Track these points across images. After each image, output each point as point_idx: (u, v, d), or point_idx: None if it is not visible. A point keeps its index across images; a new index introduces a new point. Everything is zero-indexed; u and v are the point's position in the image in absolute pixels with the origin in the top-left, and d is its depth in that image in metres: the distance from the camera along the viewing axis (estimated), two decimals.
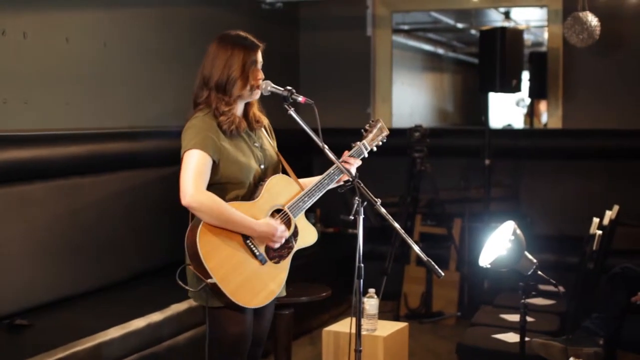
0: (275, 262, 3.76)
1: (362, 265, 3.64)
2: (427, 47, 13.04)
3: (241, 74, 3.71)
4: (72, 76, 5.61)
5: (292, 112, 3.75)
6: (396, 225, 3.67)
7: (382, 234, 7.09)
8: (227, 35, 3.79)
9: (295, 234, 3.85)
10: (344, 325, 5.04)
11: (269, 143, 3.97)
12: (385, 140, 4.18)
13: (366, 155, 4.08)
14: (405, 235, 3.68)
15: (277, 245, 3.73)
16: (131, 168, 5.91)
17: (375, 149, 4.14)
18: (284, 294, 3.96)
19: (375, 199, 3.66)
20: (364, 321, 4.74)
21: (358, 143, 4.07)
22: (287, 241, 3.80)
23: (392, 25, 8.88)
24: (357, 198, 3.64)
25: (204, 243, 3.55)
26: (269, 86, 3.76)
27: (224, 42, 3.75)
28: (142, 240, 5.92)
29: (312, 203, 3.92)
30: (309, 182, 3.98)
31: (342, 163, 3.91)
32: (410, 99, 11.36)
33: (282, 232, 3.73)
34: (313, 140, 3.76)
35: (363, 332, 3.79)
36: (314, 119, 3.70)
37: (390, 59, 8.83)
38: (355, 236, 3.67)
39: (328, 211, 8.07)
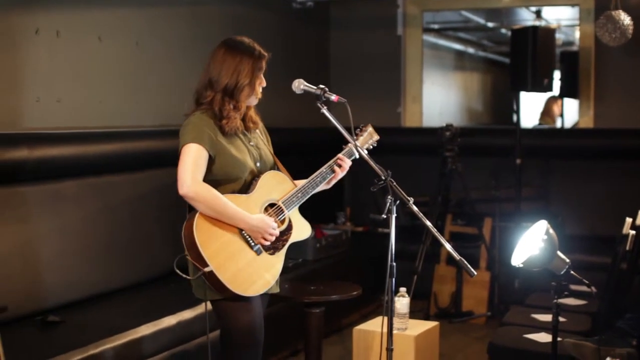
0: (270, 254, 3.86)
1: (394, 264, 3.64)
2: (458, 46, 13.01)
3: (249, 81, 3.83)
4: (104, 74, 5.65)
5: (324, 110, 3.78)
6: (428, 223, 3.67)
7: (413, 233, 7.08)
8: (236, 42, 3.92)
9: (289, 228, 3.94)
10: (375, 324, 5.04)
11: (264, 143, 4.07)
12: (375, 145, 4.30)
13: (357, 156, 4.10)
14: (437, 234, 3.67)
15: (267, 243, 3.82)
16: (163, 166, 5.92)
17: (365, 152, 4.16)
18: (277, 290, 4.07)
19: (408, 198, 3.66)
20: (395, 320, 4.73)
21: (350, 145, 4.09)
22: (282, 234, 3.89)
23: (422, 24, 8.87)
24: (389, 197, 3.64)
25: (201, 232, 3.69)
26: (302, 85, 3.81)
27: (233, 48, 3.88)
28: (174, 237, 5.91)
29: (305, 199, 4.01)
30: (301, 182, 4.07)
31: (335, 162, 4.06)
32: (440, 99, 11.34)
33: (273, 230, 3.82)
34: (344, 139, 3.78)
35: (394, 331, 3.79)
36: (346, 117, 3.73)
37: (421, 58, 8.81)
38: (386, 235, 3.68)
39: (358, 210, 8.07)
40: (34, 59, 5.11)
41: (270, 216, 3.86)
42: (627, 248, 5.17)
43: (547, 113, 11.40)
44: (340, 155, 4.09)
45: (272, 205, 3.91)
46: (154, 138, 5.92)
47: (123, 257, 5.48)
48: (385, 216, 3.68)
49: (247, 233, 3.77)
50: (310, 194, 4.02)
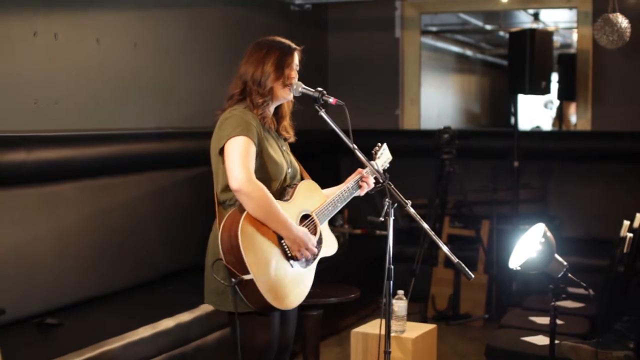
0: (303, 267, 3.77)
1: (392, 266, 3.64)
2: (455, 48, 13.03)
3: (275, 69, 3.74)
4: (102, 77, 5.64)
5: (322, 113, 3.76)
6: (426, 226, 3.66)
7: (410, 235, 7.09)
8: (264, 40, 3.86)
9: (320, 242, 3.86)
10: (373, 327, 5.04)
11: (292, 155, 4.00)
12: (388, 166, 4.27)
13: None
14: (435, 237, 3.67)
15: (302, 258, 3.73)
16: (160, 169, 5.93)
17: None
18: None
19: (406, 201, 3.66)
20: (392, 322, 4.73)
21: (373, 162, 4.06)
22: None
23: (420, 26, 8.87)
24: (387, 200, 3.63)
25: (245, 235, 3.52)
26: (300, 87, 3.78)
27: (260, 45, 3.82)
28: (171, 240, 5.94)
29: (335, 213, 3.96)
30: (330, 192, 4.01)
31: (361, 180, 4.02)
32: (438, 101, 11.35)
33: (312, 246, 3.73)
34: (342, 141, 3.77)
35: (392, 334, 3.78)
36: (344, 120, 3.71)
37: (419, 60, 8.81)
38: (384, 238, 3.67)
39: (356, 213, 8.06)
40: (32, 61, 5.10)
41: (306, 227, 3.78)
42: (625, 251, 5.17)
43: (563, 116, 11.47)
44: (363, 173, 4.05)
45: (305, 217, 3.81)
46: (151, 140, 5.92)
47: (121, 259, 5.48)
48: (383, 219, 3.67)
49: (287, 243, 3.67)
50: (339, 208, 3.96)
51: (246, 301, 3.61)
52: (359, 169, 4.06)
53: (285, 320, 3.91)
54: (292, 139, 3.98)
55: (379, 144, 4.25)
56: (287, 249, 3.67)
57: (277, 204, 3.61)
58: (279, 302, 3.63)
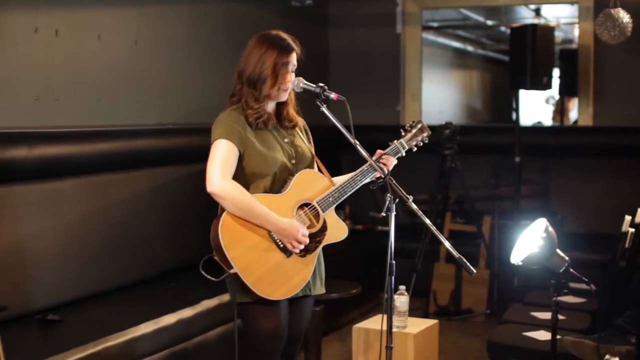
0: (301, 256, 3.77)
1: (394, 262, 3.64)
2: (457, 44, 13.01)
3: (272, 72, 3.75)
4: (103, 73, 5.64)
5: (324, 108, 3.76)
6: (428, 221, 3.66)
7: (412, 231, 7.08)
8: (267, 34, 3.84)
9: (323, 229, 3.85)
10: (374, 322, 5.04)
11: (303, 142, 3.98)
12: (426, 141, 4.23)
13: (403, 154, 4.09)
14: (437, 232, 3.67)
15: (296, 250, 3.72)
16: (161, 165, 5.93)
17: (415, 148, 4.15)
18: (323, 291, 3.99)
19: (407, 196, 3.65)
20: (394, 318, 4.73)
21: (395, 142, 4.08)
22: (315, 235, 3.80)
23: (421, 22, 8.86)
24: (389, 195, 3.63)
25: (226, 233, 3.59)
26: (301, 83, 3.78)
27: (262, 40, 3.80)
28: (173, 236, 5.94)
29: (343, 199, 3.91)
30: (341, 179, 3.98)
31: (379, 161, 3.93)
32: (439, 97, 11.34)
33: (302, 237, 3.72)
34: (344, 137, 3.76)
35: (393, 329, 3.78)
36: (346, 115, 3.71)
37: (420, 56, 8.80)
38: (385, 233, 3.66)
39: (357, 208, 8.06)
40: (33, 57, 5.10)
41: (305, 216, 3.78)
42: (626, 246, 5.18)
43: (562, 111, 11.45)
44: (383, 153, 4.02)
45: (307, 205, 3.81)
46: (152, 137, 5.92)
47: (122, 255, 5.48)
48: (384, 214, 3.66)
49: (275, 235, 3.68)
50: (349, 194, 3.92)
51: (242, 292, 3.68)
52: (378, 150, 4.03)
53: (295, 310, 3.91)
54: (300, 124, 3.98)
55: (413, 121, 4.23)
56: (278, 240, 3.70)
57: (259, 199, 3.65)
58: (270, 292, 3.66)
